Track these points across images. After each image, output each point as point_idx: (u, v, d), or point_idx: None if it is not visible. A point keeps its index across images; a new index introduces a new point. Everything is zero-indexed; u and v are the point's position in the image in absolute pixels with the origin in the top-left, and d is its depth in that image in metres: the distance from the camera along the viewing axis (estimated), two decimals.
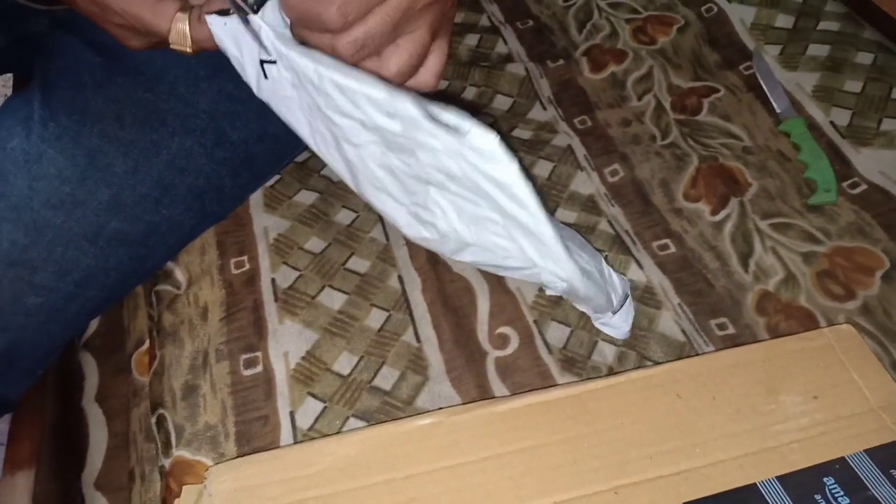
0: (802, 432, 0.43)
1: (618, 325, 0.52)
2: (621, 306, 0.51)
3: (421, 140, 0.38)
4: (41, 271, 0.53)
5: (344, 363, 0.52)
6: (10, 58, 0.64)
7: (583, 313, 0.54)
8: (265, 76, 0.42)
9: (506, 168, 0.37)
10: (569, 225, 0.60)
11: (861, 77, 0.67)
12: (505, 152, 0.36)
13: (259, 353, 0.52)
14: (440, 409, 0.48)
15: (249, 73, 0.43)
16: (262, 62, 0.42)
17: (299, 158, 0.66)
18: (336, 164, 0.46)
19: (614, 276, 0.51)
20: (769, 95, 0.67)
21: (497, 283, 0.56)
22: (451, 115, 0.36)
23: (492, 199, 0.40)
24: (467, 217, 0.44)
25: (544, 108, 0.70)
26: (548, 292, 0.55)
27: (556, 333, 0.53)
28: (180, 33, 0.41)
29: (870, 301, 0.53)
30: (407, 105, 0.36)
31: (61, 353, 0.60)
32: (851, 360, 0.46)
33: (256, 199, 0.62)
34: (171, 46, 0.42)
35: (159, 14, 0.41)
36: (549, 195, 0.63)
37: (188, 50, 0.42)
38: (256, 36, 0.39)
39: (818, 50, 0.70)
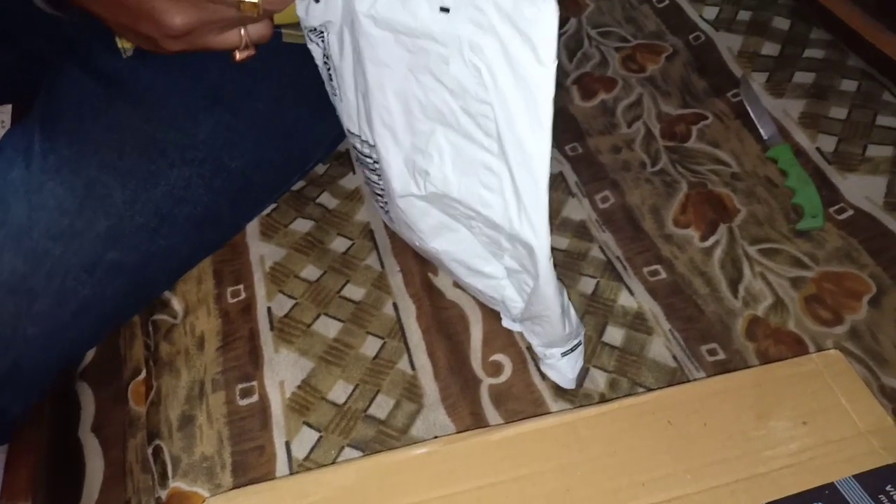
0: (792, 458, 0.44)
1: (564, 370, 0.51)
2: (572, 350, 0.51)
3: (463, 34, 0.39)
4: (39, 300, 0.53)
5: (339, 392, 0.52)
6: (12, 78, 0.65)
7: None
8: (316, 1, 0.45)
9: (545, 59, 0.37)
10: (561, 251, 0.61)
11: (846, 104, 0.68)
12: (554, 35, 0.36)
13: (255, 383, 0.53)
14: (435, 437, 0.49)
15: (300, 3, 0.45)
16: None
17: (295, 187, 0.67)
18: (358, 95, 0.48)
19: (573, 312, 0.51)
20: (756, 122, 0.68)
21: (490, 309, 0.56)
22: None
23: (507, 113, 0.40)
24: (462, 163, 0.45)
25: None
26: (504, 322, 0.55)
27: None
28: None
29: (857, 325, 0.54)
30: None
31: (57, 383, 0.60)
32: (839, 385, 0.47)
33: (253, 227, 0.63)
34: None
35: None
36: None
37: (255, 0, 0.41)
38: None
39: (804, 77, 0.72)
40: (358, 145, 0.52)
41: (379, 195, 0.54)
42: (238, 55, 0.47)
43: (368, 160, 0.52)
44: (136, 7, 0.42)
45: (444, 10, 0.39)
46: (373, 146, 0.50)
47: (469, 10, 0.38)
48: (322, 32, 0.48)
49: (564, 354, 0.51)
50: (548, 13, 0.36)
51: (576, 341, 0.52)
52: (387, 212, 0.55)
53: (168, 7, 0.41)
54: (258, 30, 0.45)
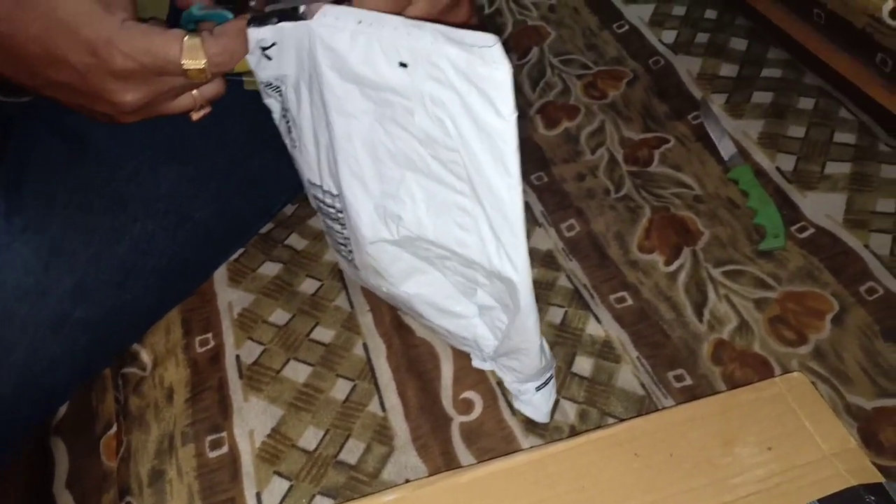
0: (758, 484, 0.44)
1: (539, 404, 0.52)
2: (545, 384, 0.51)
3: (424, 88, 0.40)
4: (7, 360, 0.53)
5: (310, 438, 0.52)
6: None
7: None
8: (268, 58, 0.45)
9: (504, 112, 0.37)
10: None
11: (804, 122, 0.69)
12: (510, 90, 0.37)
13: (224, 434, 0.53)
14: (406, 482, 0.49)
15: (252, 59, 0.46)
16: (262, 49, 0.45)
17: (263, 230, 0.67)
18: (319, 148, 0.48)
19: (545, 344, 0.51)
20: (717, 144, 0.69)
21: None
22: (475, 36, 0.37)
23: (475, 161, 0.40)
24: (436, 206, 0.45)
25: None
26: (474, 363, 0.55)
27: None
28: (193, 47, 0.40)
29: (821, 345, 0.54)
30: (425, 34, 0.38)
31: (30, 439, 0.60)
32: (803, 408, 0.47)
33: (221, 273, 0.63)
34: (184, 66, 0.41)
35: (168, 37, 0.40)
36: None
37: (201, 65, 0.41)
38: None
39: (762, 97, 0.73)
40: (319, 195, 0.52)
41: (342, 244, 0.55)
42: (194, 116, 0.47)
43: (331, 210, 0.52)
44: (87, 90, 0.42)
45: (403, 65, 0.40)
46: (336, 196, 0.50)
47: (426, 66, 0.39)
48: (278, 87, 0.49)
49: (539, 388, 0.51)
50: (501, 73, 0.36)
51: (549, 374, 0.52)
52: (350, 260, 0.55)
53: (117, 87, 0.42)
54: (210, 89, 0.45)
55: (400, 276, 0.52)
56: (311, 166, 0.51)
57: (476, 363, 0.55)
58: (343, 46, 0.41)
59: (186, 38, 0.40)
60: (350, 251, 0.54)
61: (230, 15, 0.44)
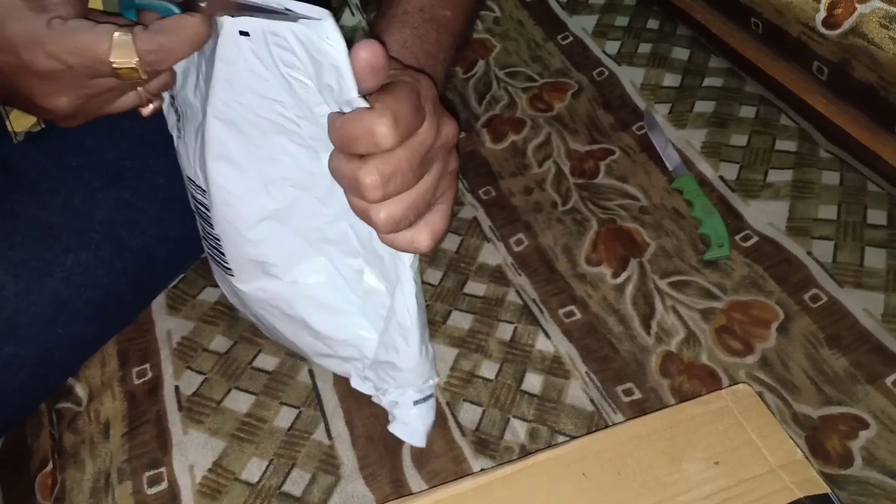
0: (706, 500, 0.44)
1: (415, 423, 0.50)
2: (424, 400, 0.50)
3: (274, 55, 0.38)
4: None
5: (253, 470, 0.50)
6: None
7: (494, 390, 0.54)
8: None
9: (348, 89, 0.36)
10: (479, 297, 0.61)
11: (746, 130, 0.70)
12: (349, 70, 0.35)
13: (163, 469, 0.51)
14: None
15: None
16: None
17: (204, 254, 0.65)
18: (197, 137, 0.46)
19: (430, 347, 0.49)
20: (661, 154, 0.69)
21: None
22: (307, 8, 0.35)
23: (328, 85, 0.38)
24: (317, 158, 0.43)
25: None
26: (353, 383, 0.53)
27: (469, 414, 0.53)
28: (123, 44, 0.36)
29: (768, 354, 0.54)
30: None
31: None
32: (749, 420, 0.47)
33: (159, 301, 0.61)
34: (114, 64, 0.36)
35: (96, 34, 0.36)
36: (459, 268, 0.63)
37: (132, 64, 0.37)
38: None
39: (704, 106, 0.73)
40: (194, 192, 0.49)
41: (215, 249, 0.51)
42: (144, 112, 0.43)
43: (203, 210, 0.49)
44: (19, 93, 0.39)
45: (244, 33, 0.37)
46: (205, 191, 0.47)
47: (267, 35, 0.37)
48: None
49: (417, 403, 0.50)
50: (337, 50, 0.35)
51: (429, 388, 0.51)
52: (226, 268, 0.51)
53: (47, 90, 0.38)
54: (157, 82, 0.42)
55: (283, 264, 0.48)
56: (189, 159, 0.48)
57: (355, 383, 0.53)
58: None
59: (117, 33, 0.36)
60: (223, 254, 0.50)
61: (176, 10, 0.39)
